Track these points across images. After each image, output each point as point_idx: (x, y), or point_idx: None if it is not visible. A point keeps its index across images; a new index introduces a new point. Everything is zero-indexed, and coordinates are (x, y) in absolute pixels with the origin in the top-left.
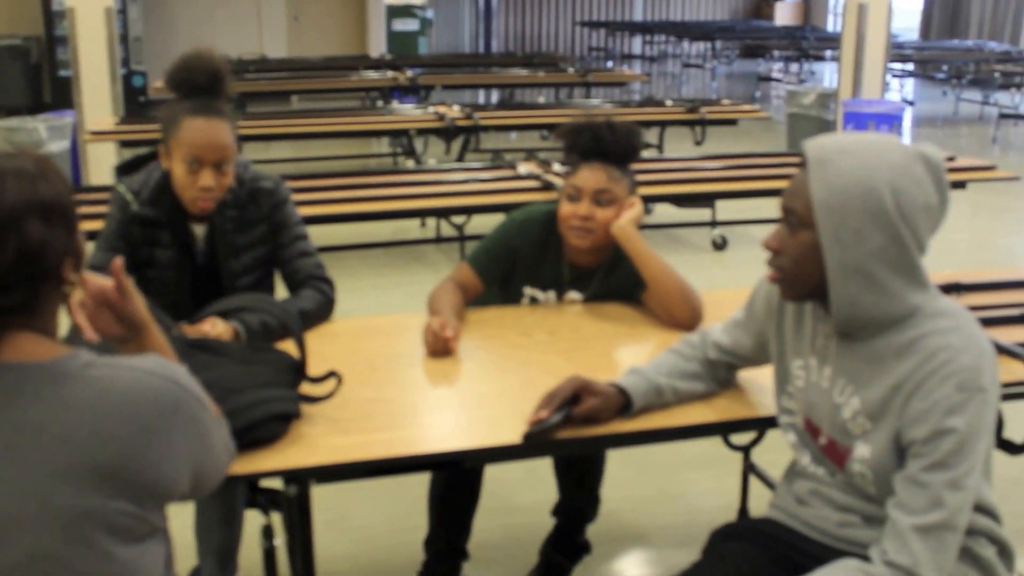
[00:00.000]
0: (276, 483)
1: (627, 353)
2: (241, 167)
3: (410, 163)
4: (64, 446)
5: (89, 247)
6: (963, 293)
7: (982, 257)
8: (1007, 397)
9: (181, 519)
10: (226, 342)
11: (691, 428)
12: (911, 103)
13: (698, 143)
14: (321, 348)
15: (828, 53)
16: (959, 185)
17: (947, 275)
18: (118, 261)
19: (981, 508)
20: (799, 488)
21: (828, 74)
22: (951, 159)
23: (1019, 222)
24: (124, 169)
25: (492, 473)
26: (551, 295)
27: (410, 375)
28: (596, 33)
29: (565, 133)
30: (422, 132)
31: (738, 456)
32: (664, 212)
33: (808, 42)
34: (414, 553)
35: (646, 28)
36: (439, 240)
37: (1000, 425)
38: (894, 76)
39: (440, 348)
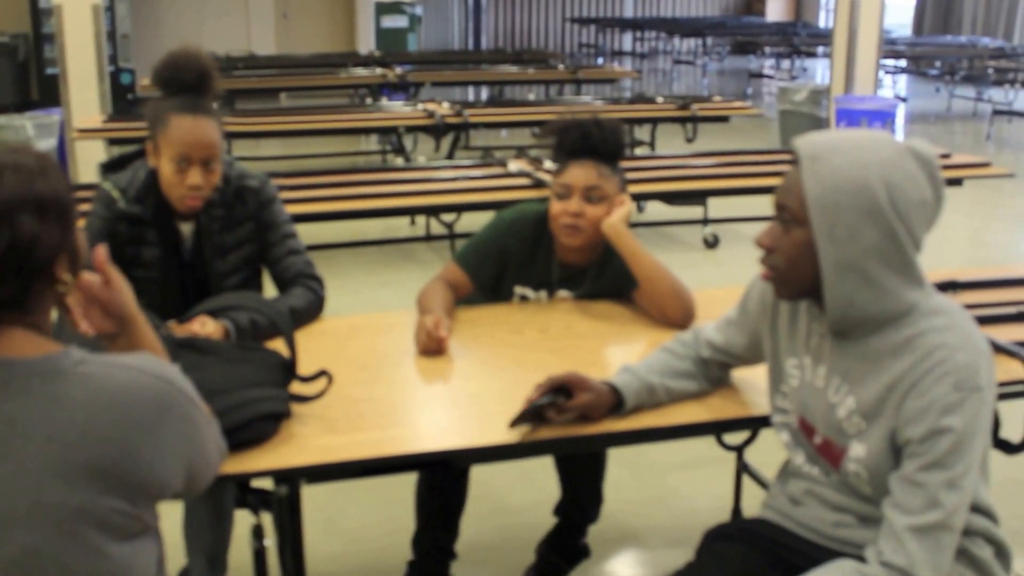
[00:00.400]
0: (266, 483)
1: (619, 351)
2: (226, 165)
3: (399, 161)
4: (56, 443)
5: None
6: (959, 291)
7: (977, 255)
8: (1003, 396)
9: (170, 519)
10: (215, 341)
11: (684, 427)
12: (904, 99)
13: (689, 140)
14: (311, 347)
15: (820, 49)
16: (955, 182)
17: (943, 273)
18: (101, 251)
19: (978, 508)
20: (793, 488)
21: (820, 70)
22: (946, 156)
23: (1014, 219)
24: (110, 167)
25: (484, 474)
26: (542, 295)
27: (401, 374)
28: (586, 29)
29: (552, 131)
30: (411, 129)
31: (731, 456)
32: (655, 210)
33: (800, 38)
34: (405, 553)
35: (637, 24)
36: (429, 238)
37: (996, 425)
38: (887, 72)
39: (433, 347)
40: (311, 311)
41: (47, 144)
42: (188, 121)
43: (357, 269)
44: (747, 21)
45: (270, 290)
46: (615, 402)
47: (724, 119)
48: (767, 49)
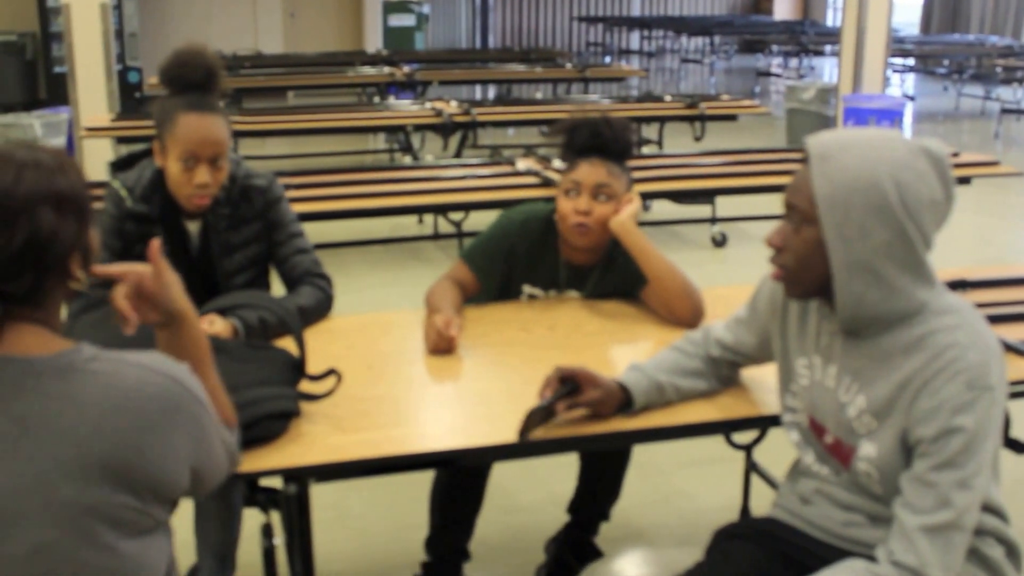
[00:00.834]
0: (275, 482)
1: (628, 349)
2: (233, 164)
3: (407, 159)
4: (68, 440)
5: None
6: (968, 290)
7: (986, 253)
8: (1014, 396)
9: (180, 517)
10: (225, 339)
11: (693, 427)
12: (912, 98)
13: (697, 139)
14: (319, 345)
15: (828, 48)
16: (963, 181)
17: (952, 271)
18: (156, 244)
19: (989, 508)
20: (803, 487)
21: (828, 69)
22: (955, 155)
23: (1023, 218)
24: (119, 166)
25: (491, 473)
26: (551, 295)
27: (410, 372)
28: (594, 28)
29: (562, 130)
30: (419, 128)
31: (739, 455)
32: (663, 209)
33: (807, 37)
34: (414, 552)
35: (644, 23)
36: (437, 237)
37: (1007, 424)
38: (895, 71)
39: (444, 346)
40: (320, 309)
41: (55, 143)
42: (195, 119)
43: (365, 268)
44: (755, 20)
45: (278, 289)
46: (624, 400)
47: (732, 118)
48: (775, 48)
